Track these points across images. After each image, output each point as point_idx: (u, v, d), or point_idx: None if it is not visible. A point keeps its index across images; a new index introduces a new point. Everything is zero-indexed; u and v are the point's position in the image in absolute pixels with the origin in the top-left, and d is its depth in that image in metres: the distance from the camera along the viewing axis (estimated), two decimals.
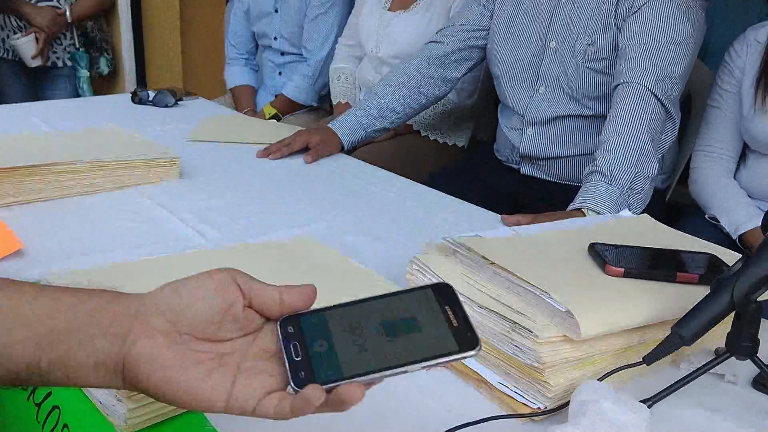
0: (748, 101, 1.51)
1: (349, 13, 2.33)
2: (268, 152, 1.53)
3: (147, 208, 1.19)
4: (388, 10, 2.14)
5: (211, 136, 1.64)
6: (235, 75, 2.56)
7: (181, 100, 1.98)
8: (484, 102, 2.12)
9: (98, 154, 1.24)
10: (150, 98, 1.93)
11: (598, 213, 1.18)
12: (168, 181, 1.30)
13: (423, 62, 1.71)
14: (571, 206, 1.22)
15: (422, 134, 2.09)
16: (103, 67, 2.88)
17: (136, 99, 1.94)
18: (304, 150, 1.55)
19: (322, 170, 1.49)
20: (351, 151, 1.72)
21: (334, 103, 2.31)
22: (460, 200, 1.33)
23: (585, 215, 1.18)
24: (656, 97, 1.32)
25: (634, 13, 1.41)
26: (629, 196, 1.24)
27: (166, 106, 1.92)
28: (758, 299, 0.67)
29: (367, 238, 1.11)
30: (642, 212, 1.37)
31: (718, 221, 1.51)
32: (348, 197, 1.32)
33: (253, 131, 1.73)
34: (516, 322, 0.70)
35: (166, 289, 0.51)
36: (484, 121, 2.18)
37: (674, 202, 1.80)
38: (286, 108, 2.41)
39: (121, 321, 0.49)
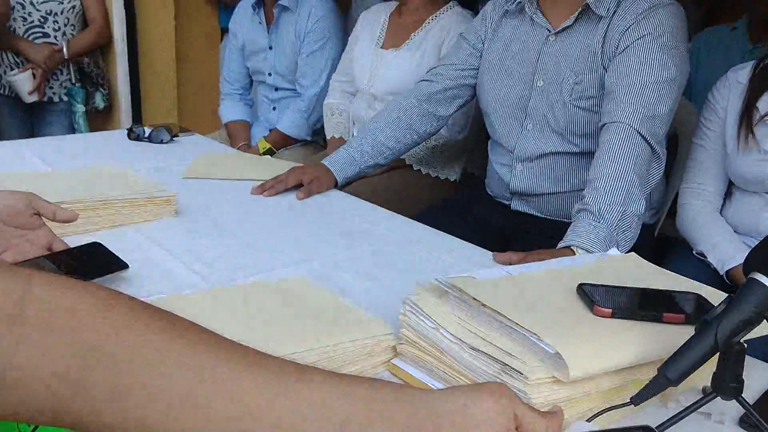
0: (731, 140, 1.55)
1: (343, 50, 2.38)
2: (262, 189, 1.55)
3: (142, 246, 1.20)
4: (381, 47, 2.19)
5: (206, 173, 1.66)
6: (230, 110, 2.60)
7: (176, 136, 2.00)
8: (475, 137, 2.16)
9: (95, 194, 1.26)
10: (146, 135, 1.96)
11: (588, 251, 1.20)
12: (164, 219, 1.32)
13: (415, 100, 1.75)
14: (561, 244, 1.25)
15: (415, 168, 2.12)
16: (99, 102, 2.91)
17: (132, 135, 1.96)
18: (299, 186, 1.58)
19: (315, 206, 1.51)
20: (344, 185, 1.74)
21: (328, 137, 2.34)
22: (452, 237, 1.35)
23: (575, 253, 1.20)
24: (642, 136, 1.36)
25: (620, 54, 1.45)
26: (617, 233, 1.27)
27: (162, 142, 1.94)
28: (741, 340, 0.69)
29: (360, 277, 1.12)
30: (631, 248, 1.40)
31: (705, 257, 1.53)
32: (341, 234, 1.34)
33: (247, 167, 1.76)
34: (506, 364, 0.72)
35: None
36: (475, 155, 2.21)
37: (664, 236, 1.83)
38: (280, 142, 2.44)
39: None
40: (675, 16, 1.45)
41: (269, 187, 1.55)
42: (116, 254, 1.05)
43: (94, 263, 1.02)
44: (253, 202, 1.50)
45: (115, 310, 0.47)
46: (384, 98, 2.13)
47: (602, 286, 0.85)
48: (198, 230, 1.30)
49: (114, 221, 1.26)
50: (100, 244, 1.07)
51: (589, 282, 0.86)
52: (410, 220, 1.46)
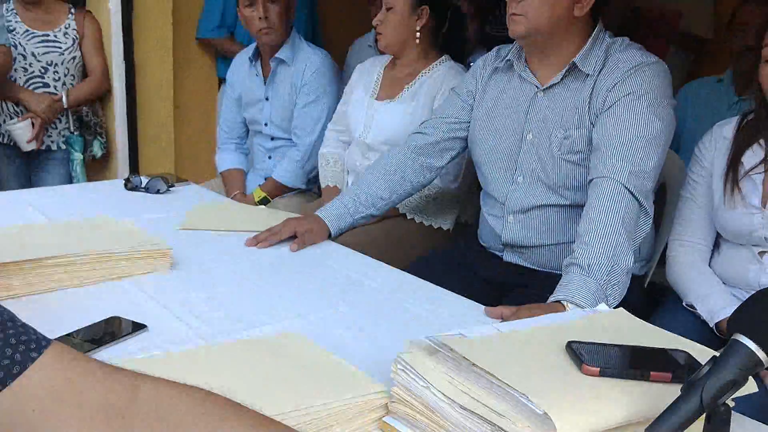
0: (717, 193, 1.58)
1: (338, 101, 2.43)
2: (256, 241, 1.57)
3: (137, 300, 1.21)
4: (376, 99, 2.23)
5: (201, 225, 1.68)
6: (226, 159, 2.63)
7: (172, 186, 2.03)
8: (468, 186, 2.19)
9: (91, 247, 1.27)
10: (142, 185, 1.98)
11: (578, 306, 1.22)
12: (159, 272, 1.33)
13: (408, 152, 1.79)
14: (552, 298, 1.26)
15: (408, 217, 2.14)
16: (97, 150, 2.94)
17: (129, 185, 1.99)
18: (293, 237, 1.60)
19: (309, 258, 1.53)
20: (338, 236, 1.76)
21: (323, 186, 2.37)
22: (444, 289, 1.36)
23: (565, 308, 1.22)
24: (630, 191, 1.39)
25: (606, 110, 1.49)
26: (607, 288, 1.29)
27: (158, 192, 1.96)
28: (727, 401, 0.70)
29: (354, 331, 1.14)
30: (622, 300, 1.42)
31: (695, 309, 1.55)
32: (334, 288, 1.35)
33: (242, 219, 1.78)
34: (496, 424, 0.73)
35: None
36: (468, 204, 2.24)
37: (655, 285, 1.84)
38: (275, 191, 2.47)
39: None
40: (659, 74, 1.49)
41: (263, 239, 1.56)
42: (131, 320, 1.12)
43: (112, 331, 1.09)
44: (247, 254, 1.52)
45: (210, 406, 0.57)
46: (378, 148, 2.17)
47: (590, 343, 0.87)
48: (193, 284, 1.31)
49: (110, 274, 1.27)
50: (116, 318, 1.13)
51: (577, 339, 0.87)
52: (403, 272, 1.47)
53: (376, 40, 3.38)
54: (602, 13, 1.59)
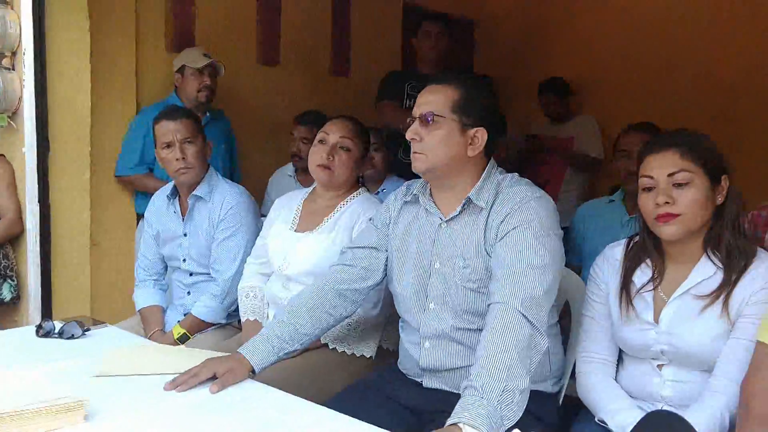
0: (615, 311, 1.69)
1: (255, 235, 2.48)
2: (175, 384, 1.55)
3: None
4: (295, 231, 2.30)
5: (118, 370, 1.65)
6: (144, 297, 2.60)
7: (88, 330, 1.99)
8: (388, 312, 2.24)
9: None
10: (55, 330, 1.94)
11: (474, 427, 1.27)
12: (74, 426, 1.30)
13: (330, 285, 1.84)
14: (449, 421, 1.32)
15: (330, 347, 2.16)
16: (6, 294, 2.86)
17: (41, 332, 1.93)
18: (213, 378, 1.59)
19: (229, 400, 1.52)
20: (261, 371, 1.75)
21: (243, 320, 2.37)
22: (364, 423, 1.38)
23: (462, 430, 1.27)
24: (524, 316, 1.48)
25: (499, 241, 1.61)
26: (501, 408, 1.35)
27: (72, 337, 1.92)
28: None
29: None
30: (535, 417, 1.47)
31: (606, 424, 1.62)
32: (255, 429, 1.34)
33: (160, 360, 1.75)
34: None
35: None
36: (390, 331, 2.28)
37: (573, 399, 1.90)
38: (194, 327, 2.45)
39: None
40: (544, 207, 1.63)
41: (182, 383, 1.55)
42: None
43: None
44: (166, 399, 1.50)
45: None
46: (299, 279, 2.21)
47: None
48: None
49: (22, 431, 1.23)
50: None
51: None
52: (323, 407, 1.48)
53: (296, 170, 3.55)
54: (493, 152, 1.75)
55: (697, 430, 1.40)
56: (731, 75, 4.12)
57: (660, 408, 1.60)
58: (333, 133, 2.23)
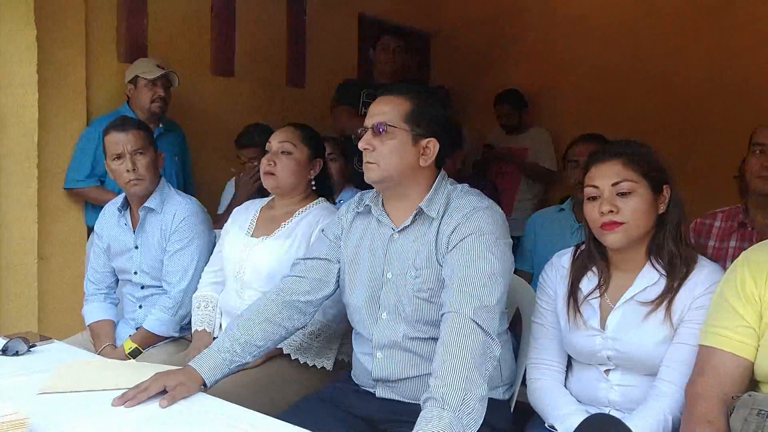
0: (563, 318, 1.73)
1: (209, 247, 2.46)
2: (124, 399, 1.52)
3: None
4: (252, 236, 2.29)
5: (64, 386, 1.61)
6: (94, 311, 2.55)
7: (33, 346, 1.94)
8: (346, 324, 2.23)
9: None
10: None
11: None
12: None
13: (282, 296, 1.83)
14: None
15: (293, 357, 2.13)
16: None
17: None
18: (164, 392, 1.56)
19: (179, 414, 1.49)
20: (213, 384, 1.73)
21: (193, 329, 2.34)
22: None
23: None
24: (477, 324, 1.50)
25: (450, 251, 1.63)
26: (462, 417, 1.36)
27: (17, 354, 1.87)
28: None
29: None
30: (487, 426, 1.49)
31: (556, 429, 1.64)
32: None
33: (109, 375, 1.72)
34: None
35: None
36: (345, 343, 2.27)
37: (525, 406, 1.93)
38: (146, 341, 2.41)
39: None
40: (492, 216, 1.66)
41: (131, 397, 1.52)
42: None
43: None
44: (114, 415, 1.47)
45: None
46: (254, 286, 2.19)
47: None
48: None
49: None
50: None
51: None
52: (276, 420, 1.47)
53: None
54: (444, 163, 1.77)
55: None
56: (686, 86, 4.22)
57: (608, 412, 1.64)
58: (274, 140, 2.28)
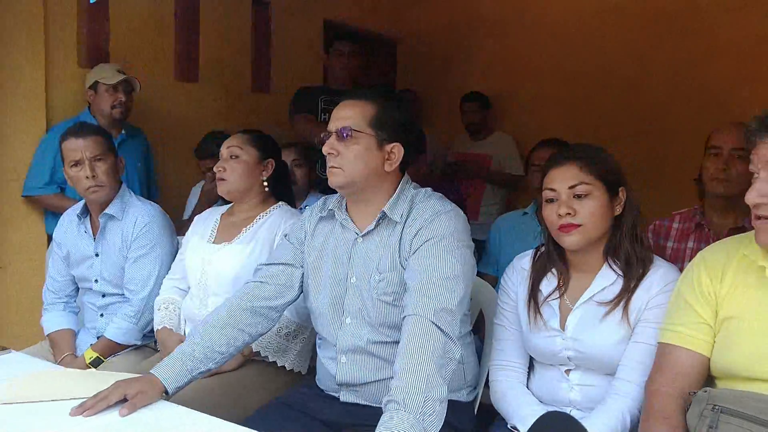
0: (524, 319, 1.75)
1: (171, 253, 2.43)
2: (83, 409, 1.49)
3: None
4: (213, 243, 2.27)
5: (21, 397, 1.58)
6: (53, 320, 2.50)
7: None
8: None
9: None
10: None
11: None
12: None
13: (244, 302, 1.81)
14: None
15: (270, 360, 2.11)
16: None
17: None
18: (124, 401, 1.54)
19: (139, 423, 1.47)
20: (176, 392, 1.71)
21: (156, 328, 2.31)
22: None
23: None
24: (437, 326, 1.50)
25: (413, 254, 1.64)
26: (423, 418, 1.37)
27: None
28: None
29: None
30: (450, 428, 1.49)
31: (518, 430, 1.66)
32: None
33: (68, 384, 1.69)
34: None
35: None
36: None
37: (488, 407, 1.94)
38: (108, 350, 2.37)
39: None
40: (454, 220, 1.67)
41: (90, 407, 1.49)
42: None
43: None
44: (72, 425, 1.44)
45: None
46: (217, 292, 2.18)
47: None
48: None
49: None
50: None
51: None
52: (239, 426, 1.46)
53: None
54: (407, 168, 1.78)
55: (596, 430, 1.45)
56: (649, 91, 4.29)
57: (569, 411, 1.66)
58: (224, 147, 2.30)
